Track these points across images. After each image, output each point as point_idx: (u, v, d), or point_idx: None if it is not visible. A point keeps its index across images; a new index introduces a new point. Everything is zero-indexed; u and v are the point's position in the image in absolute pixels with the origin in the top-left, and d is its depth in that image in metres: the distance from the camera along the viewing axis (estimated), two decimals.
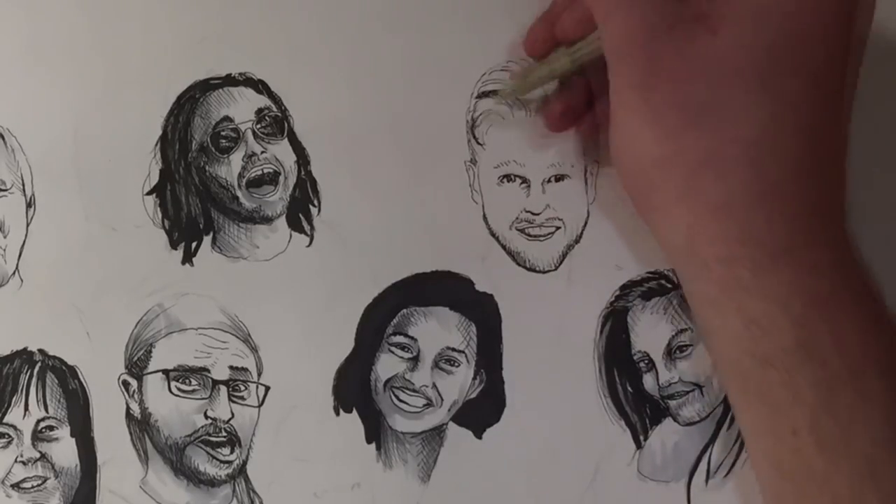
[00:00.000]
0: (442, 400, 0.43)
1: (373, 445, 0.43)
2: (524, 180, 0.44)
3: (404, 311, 0.43)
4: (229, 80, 0.44)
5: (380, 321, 0.43)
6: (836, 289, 0.32)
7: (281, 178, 0.44)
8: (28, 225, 0.44)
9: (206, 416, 0.42)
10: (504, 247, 0.43)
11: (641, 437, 0.42)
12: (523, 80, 0.42)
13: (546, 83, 0.42)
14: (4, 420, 0.42)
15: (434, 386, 0.43)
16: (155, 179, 0.44)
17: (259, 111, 0.44)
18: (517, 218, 0.43)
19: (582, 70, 0.41)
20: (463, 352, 0.43)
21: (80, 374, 0.43)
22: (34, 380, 0.43)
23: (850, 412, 0.31)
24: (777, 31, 0.32)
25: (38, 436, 0.43)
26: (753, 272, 0.32)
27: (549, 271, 0.43)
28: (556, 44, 0.41)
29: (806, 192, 0.33)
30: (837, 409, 0.31)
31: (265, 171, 0.44)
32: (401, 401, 0.43)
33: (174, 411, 0.43)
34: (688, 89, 0.33)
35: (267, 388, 0.43)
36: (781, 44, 0.32)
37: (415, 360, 0.43)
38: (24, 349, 0.43)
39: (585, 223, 0.43)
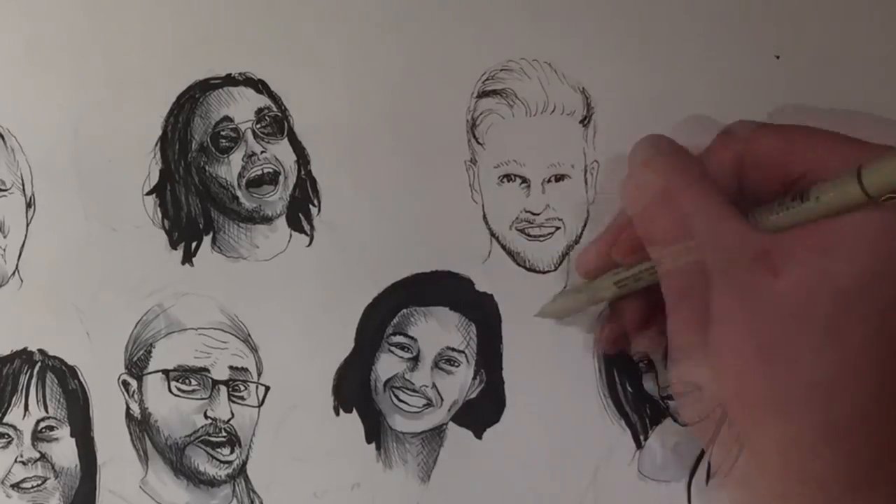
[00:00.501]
0: (442, 400, 0.43)
1: (373, 445, 0.43)
2: (524, 180, 0.43)
3: (404, 311, 0.43)
4: (229, 80, 0.44)
5: (380, 321, 0.43)
6: None
7: (281, 178, 0.44)
8: (28, 225, 0.44)
9: (206, 416, 0.42)
10: (504, 247, 0.43)
11: (641, 437, 0.42)
12: (564, 302, 0.42)
13: (586, 308, 0.41)
14: (4, 420, 0.42)
15: (434, 386, 0.43)
16: (155, 179, 0.44)
17: (259, 111, 0.44)
18: (517, 218, 0.43)
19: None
20: (463, 352, 0.43)
21: (80, 374, 0.43)
22: (34, 380, 0.43)
23: None
24: (844, 275, 0.31)
25: (37, 436, 0.43)
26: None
27: (549, 271, 0.43)
28: (610, 266, 0.40)
29: (870, 433, 0.32)
30: None
31: (265, 170, 0.44)
32: (401, 401, 0.43)
33: (174, 411, 0.43)
34: (748, 332, 0.32)
35: (267, 388, 0.43)
36: (848, 289, 0.31)
37: (415, 360, 0.43)
38: (24, 349, 0.43)
39: (585, 223, 0.43)
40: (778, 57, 0.43)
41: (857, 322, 0.31)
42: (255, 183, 0.44)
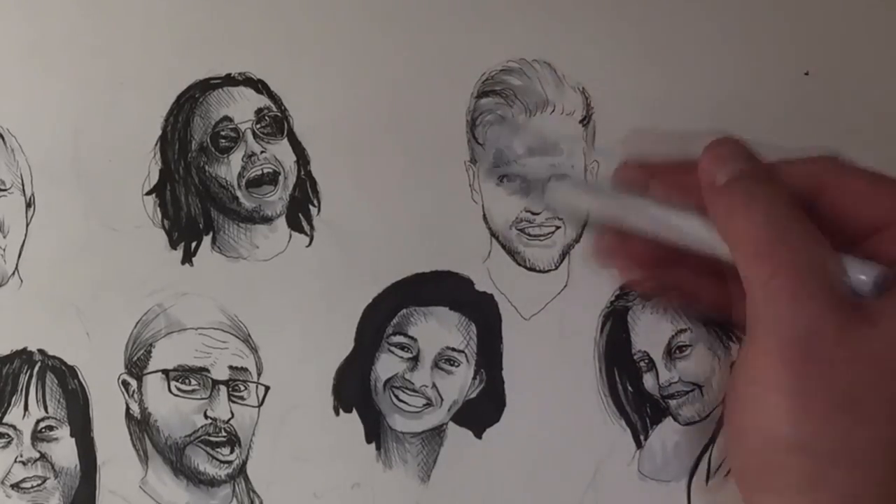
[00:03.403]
0: (442, 400, 0.43)
1: (373, 445, 0.43)
2: (524, 180, 0.43)
3: (404, 311, 0.43)
4: (229, 80, 0.44)
5: (380, 321, 0.43)
6: None
7: (281, 178, 0.44)
8: (28, 225, 0.44)
9: (206, 416, 0.42)
10: (504, 247, 0.43)
11: (642, 437, 0.42)
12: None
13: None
14: (4, 420, 0.42)
15: (434, 386, 0.43)
16: (155, 179, 0.44)
17: (259, 111, 0.44)
18: (517, 218, 0.43)
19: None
20: (463, 352, 0.43)
21: (79, 374, 0.43)
22: (34, 380, 0.43)
23: None
24: None
25: (37, 436, 0.43)
26: None
27: (549, 271, 0.43)
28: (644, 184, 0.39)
29: None
30: None
31: (265, 170, 0.44)
32: (400, 401, 0.43)
33: (174, 411, 0.43)
34: (840, 377, 0.31)
35: (267, 388, 0.43)
36: None
37: (415, 360, 0.43)
38: (24, 349, 0.43)
39: (585, 223, 0.43)
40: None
41: None
42: (255, 183, 0.44)
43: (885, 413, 0.31)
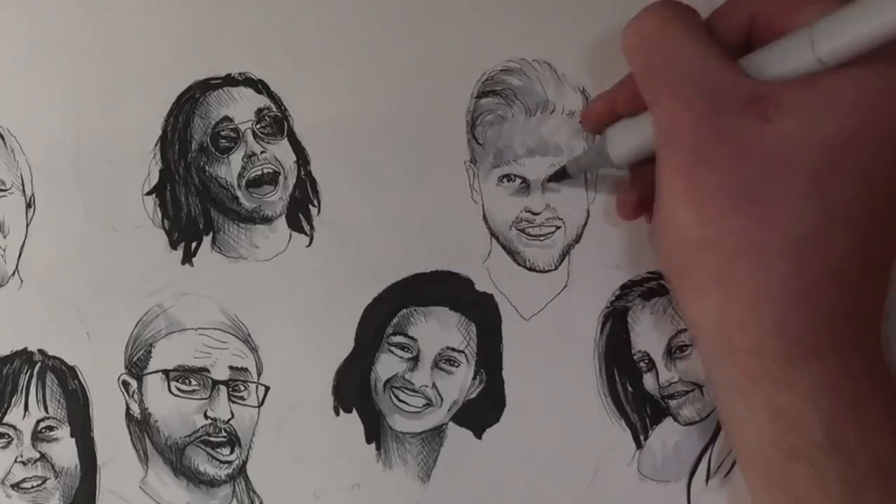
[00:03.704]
0: (442, 400, 0.43)
1: (373, 445, 0.43)
2: (524, 180, 0.44)
3: (404, 311, 0.43)
4: (229, 80, 0.44)
5: (380, 321, 0.43)
6: (865, 391, 0.32)
7: (281, 178, 0.44)
8: (28, 225, 0.44)
9: (206, 417, 0.42)
10: (504, 247, 0.43)
11: (641, 437, 0.42)
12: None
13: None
14: (4, 420, 0.42)
15: (434, 386, 0.43)
16: (155, 179, 0.44)
17: (259, 111, 0.44)
18: (517, 218, 0.43)
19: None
20: (463, 352, 0.43)
21: (79, 374, 0.43)
22: (34, 380, 0.43)
23: None
24: (833, 129, 0.31)
25: (37, 436, 0.43)
26: (782, 366, 0.32)
27: (549, 271, 0.43)
28: (614, 119, 0.40)
29: (845, 294, 0.32)
30: None
31: (265, 171, 0.44)
32: (401, 401, 0.43)
33: (174, 411, 0.43)
34: (733, 175, 0.32)
35: (267, 389, 0.43)
36: (837, 144, 0.31)
37: (415, 360, 0.43)
38: (24, 349, 0.43)
39: (585, 223, 0.43)
40: None
41: (843, 177, 0.31)
42: (255, 183, 0.44)
43: (782, 209, 0.31)
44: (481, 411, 0.43)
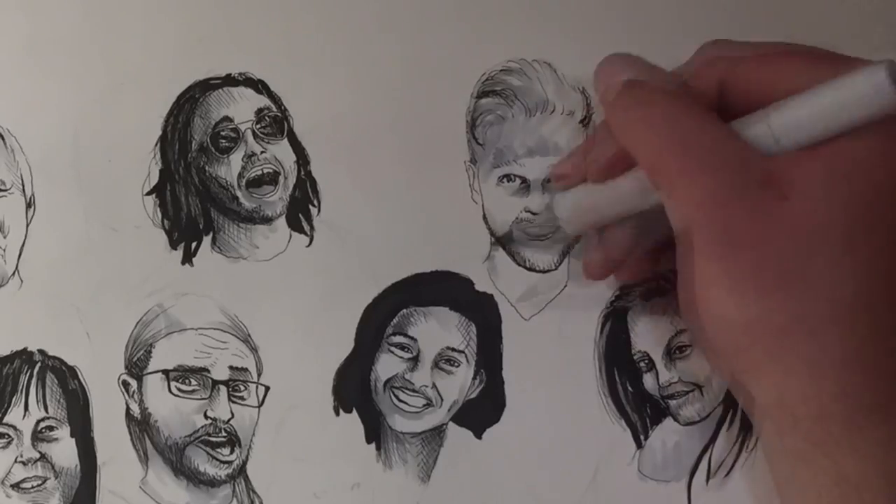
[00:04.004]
0: (442, 400, 0.43)
1: (373, 445, 0.43)
2: (524, 180, 0.44)
3: (404, 311, 0.43)
4: (229, 80, 0.44)
5: (380, 321, 0.43)
6: None
7: (281, 178, 0.44)
8: (28, 225, 0.44)
9: (206, 417, 0.42)
10: (504, 247, 0.43)
11: (642, 437, 0.42)
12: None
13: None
14: (4, 420, 0.42)
15: (434, 386, 0.43)
16: (155, 179, 0.44)
17: (259, 111, 0.44)
18: (517, 218, 0.43)
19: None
20: (463, 352, 0.43)
21: (79, 374, 0.43)
22: (34, 380, 0.43)
23: None
24: (850, 192, 0.31)
25: (37, 436, 0.43)
26: (845, 428, 0.32)
27: (549, 271, 0.43)
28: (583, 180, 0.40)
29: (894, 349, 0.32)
30: None
31: (265, 171, 0.44)
32: (401, 401, 0.43)
33: (174, 411, 0.43)
34: (768, 254, 0.32)
35: (267, 389, 0.43)
36: (858, 205, 0.31)
37: (415, 361, 0.43)
38: (24, 349, 0.43)
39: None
40: None
41: (872, 234, 0.31)
42: (255, 183, 0.44)
43: (822, 280, 0.31)
44: (481, 411, 0.43)
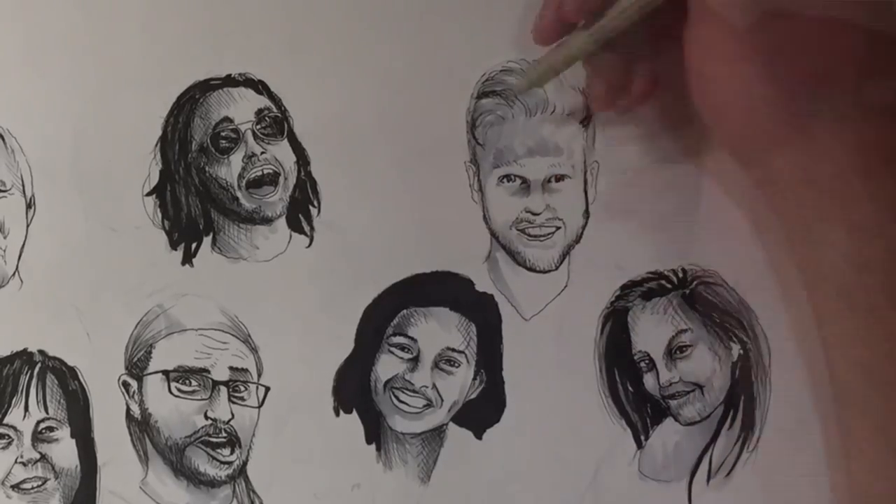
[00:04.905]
0: (442, 400, 0.43)
1: (373, 446, 0.43)
2: (524, 180, 0.43)
3: (404, 311, 0.43)
4: (229, 81, 0.44)
5: (380, 322, 0.43)
6: None
7: (281, 179, 0.44)
8: (28, 226, 0.44)
9: (206, 417, 0.42)
10: (504, 247, 0.43)
11: (642, 437, 0.42)
12: (539, 69, 0.40)
13: (563, 70, 0.40)
14: (4, 421, 0.42)
15: (434, 386, 0.43)
16: (155, 180, 0.44)
17: (259, 112, 0.44)
18: (517, 218, 0.43)
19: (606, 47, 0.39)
20: (463, 352, 0.43)
21: (80, 374, 0.43)
22: (34, 381, 0.43)
23: None
24: None
25: (38, 437, 0.43)
26: (864, 180, 0.33)
27: (549, 271, 0.43)
28: (568, 28, 0.39)
29: None
30: None
31: (265, 171, 0.44)
32: (401, 401, 0.43)
33: (174, 412, 0.43)
34: (796, 40, 0.33)
35: (267, 389, 0.43)
36: None
37: (415, 361, 0.43)
38: (24, 350, 0.43)
39: (585, 223, 0.43)
40: None
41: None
42: (255, 184, 0.44)
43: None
44: (481, 411, 0.43)
